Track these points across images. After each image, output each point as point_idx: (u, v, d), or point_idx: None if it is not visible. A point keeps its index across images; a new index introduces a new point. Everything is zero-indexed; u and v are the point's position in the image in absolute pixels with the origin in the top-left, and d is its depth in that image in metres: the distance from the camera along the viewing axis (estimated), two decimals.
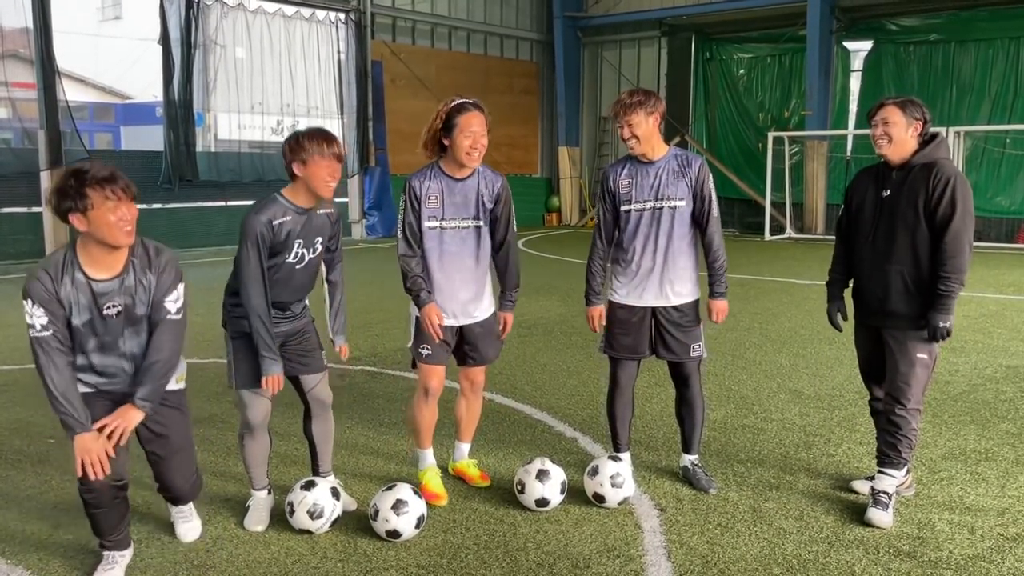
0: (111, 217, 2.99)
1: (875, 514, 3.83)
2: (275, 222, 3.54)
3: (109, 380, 3.24)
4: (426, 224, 3.91)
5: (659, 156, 4.07)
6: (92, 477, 3.08)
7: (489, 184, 3.99)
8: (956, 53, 17.83)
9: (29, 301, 3.04)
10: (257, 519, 3.80)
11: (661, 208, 4.06)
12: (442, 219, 3.91)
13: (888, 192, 3.87)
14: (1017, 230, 16.74)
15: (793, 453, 4.81)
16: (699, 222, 4.11)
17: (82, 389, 3.18)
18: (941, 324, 3.75)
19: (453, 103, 3.86)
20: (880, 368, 4.04)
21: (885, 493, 3.88)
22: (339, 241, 3.93)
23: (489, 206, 3.99)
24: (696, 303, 4.22)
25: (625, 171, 4.11)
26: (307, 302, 3.93)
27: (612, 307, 4.23)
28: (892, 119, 3.83)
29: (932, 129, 3.90)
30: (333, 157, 3.54)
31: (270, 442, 3.91)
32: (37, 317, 3.03)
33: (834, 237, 4.24)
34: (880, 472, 3.93)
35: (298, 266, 3.68)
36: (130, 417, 3.16)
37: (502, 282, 4.18)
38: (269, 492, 3.91)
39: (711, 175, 4.15)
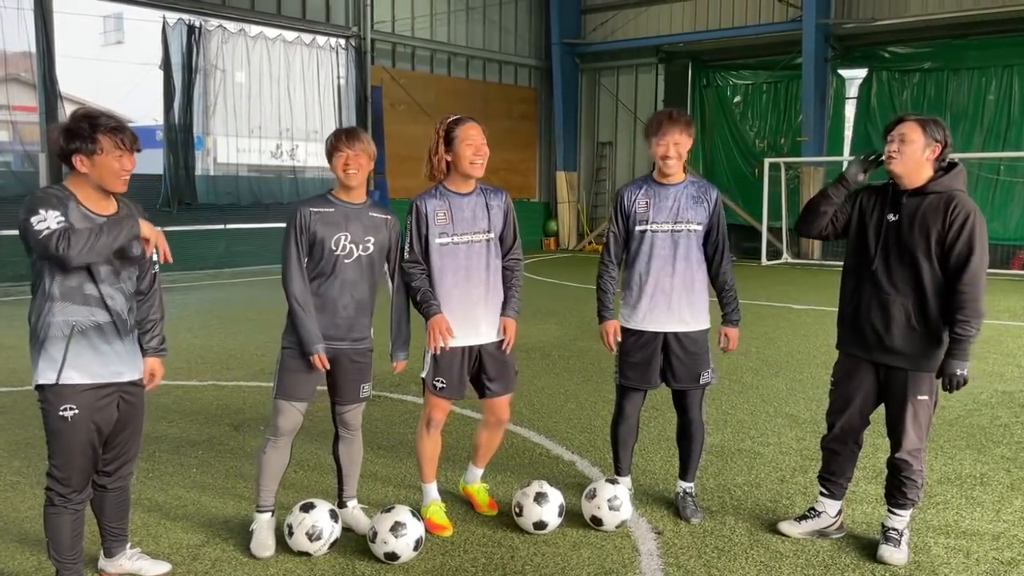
0: (115, 165, 3.07)
1: (887, 551, 3.71)
2: (315, 210, 3.72)
3: (112, 314, 3.21)
4: (437, 241, 3.90)
5: (678, 180, 4.12)
6: None
7: (494, 197, 4.01)
8: (949, 81, 18.04)
9: (43, 209, 2.95)
10: (262, 545, 3.76)
11: (680, 231, 4.07)
12: (453, 234, 3.90)
13: (896, 217, 3.63)
14: (1011, 256, 16.82)
15: (790, 477, 4.83)
16: (711, 250, 4.14)
17: (87, 361, 3.14)
18: (959, 372, 3.49)
19: (449, 119, 3.91)
20: (864, 405, 3.82)
21: (895, 530, 3.75)
22: (396, 249, 3.95)
23: (500, 219, 4.00)
24: (707, 331, 4.20)
25: (642, 192, 4.13)
26: (371, 333, 3.96)
27: (623, 333, 4.19)
28: (910, 136, 3.55)
29: (951, 156, 3.63)
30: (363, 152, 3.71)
31: (288, 460, 3.88)
32: (53, 217, 2.96)
33: (834, 261, 4.00)
34: (889, 511, 3.80)
35: (346, 260, 3.74)
36: (158, 368, 3.42)
37: (506, 291, 4.06)
38: (273, 515, 3.87)
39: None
